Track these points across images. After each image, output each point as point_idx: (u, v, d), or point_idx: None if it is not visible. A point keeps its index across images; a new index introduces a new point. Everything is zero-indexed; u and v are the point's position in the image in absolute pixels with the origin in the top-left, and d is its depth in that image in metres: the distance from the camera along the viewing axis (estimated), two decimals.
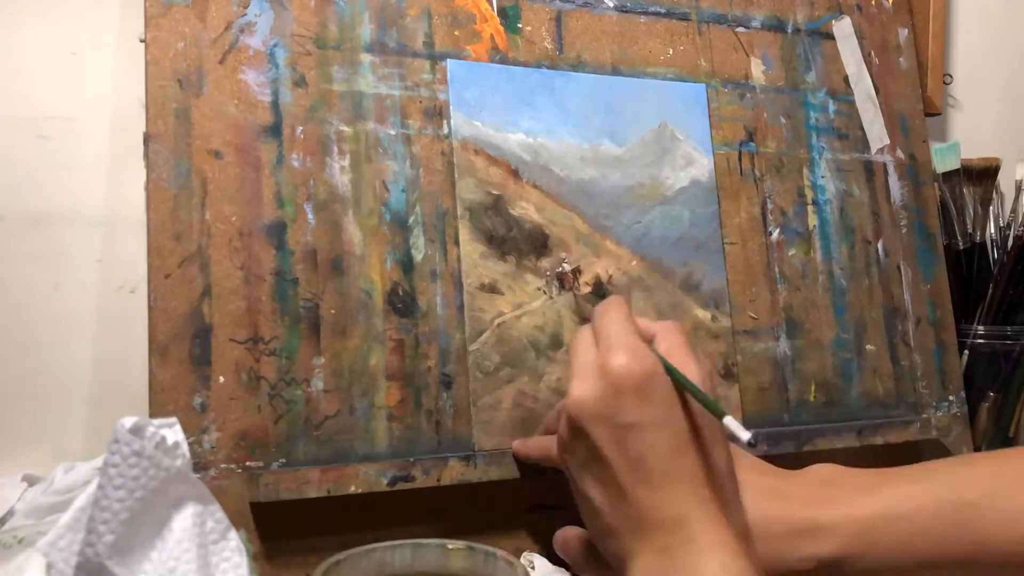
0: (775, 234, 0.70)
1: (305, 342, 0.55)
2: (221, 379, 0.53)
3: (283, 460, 0.53)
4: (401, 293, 0.58)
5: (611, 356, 0.42)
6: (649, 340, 0.46)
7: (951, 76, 0.95)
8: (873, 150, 0.75)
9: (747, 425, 0.63)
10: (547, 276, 0.61)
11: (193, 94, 0.55)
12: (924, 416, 0.72)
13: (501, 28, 0.64)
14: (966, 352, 0.78)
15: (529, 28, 0.65)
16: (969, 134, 0.94)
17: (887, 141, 0.76)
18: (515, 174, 0.62)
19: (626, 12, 0.68)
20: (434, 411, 0.57)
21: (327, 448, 0.54)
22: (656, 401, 0.42)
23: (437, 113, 0.61)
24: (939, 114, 0.91)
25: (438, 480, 0.55)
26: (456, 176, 0.60)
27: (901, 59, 0.78)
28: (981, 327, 0.79)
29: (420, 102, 0.60)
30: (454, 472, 0.56)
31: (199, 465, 0.51)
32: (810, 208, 0.71)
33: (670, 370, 0.43)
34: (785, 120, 0.72)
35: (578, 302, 0.62)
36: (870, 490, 0.47)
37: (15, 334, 0.65)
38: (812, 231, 0.71)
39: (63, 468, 0.58)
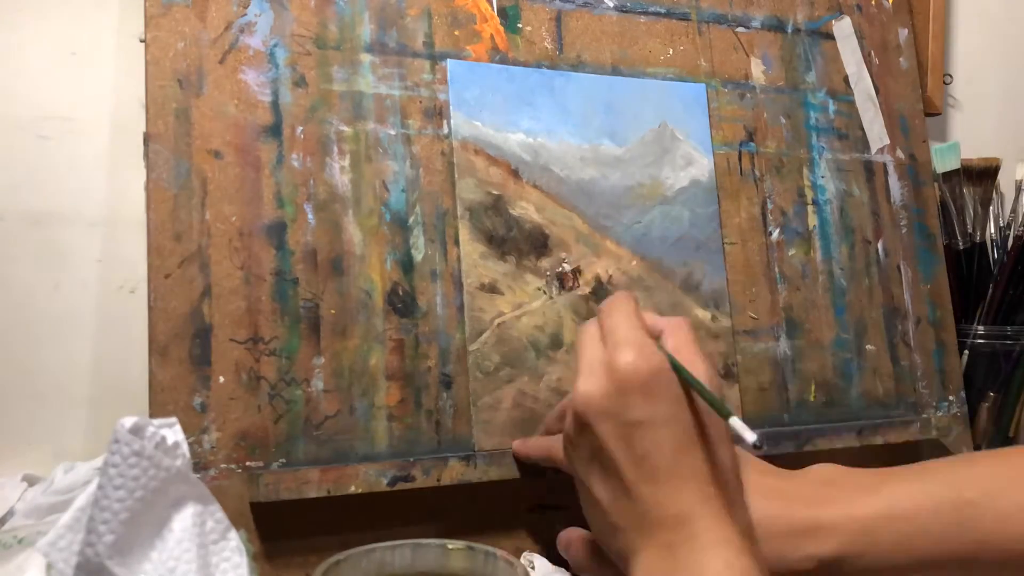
0: (775, 234, 0.70)
1: (305, 342, 0.55)
2: (221, 379, 0.53)
3: (283, 460, 0.53)
4: (401, 293, 0.58)
5: (618, 353, 0.42)
6: (656, 336, 0.46)
7: (951, 76, 0.95)
8: (873, 150, 0.75)
9: (747, 425, 0.63)
10: (547, 276, 0.61)
11: (193, 94, 0.55)
12: (924, 416, 0.72)
13: (501, 28, 0.64)
14: (966, 352, 0.78)
15: (529, 28, 0.65)
16: (969, 134, 0.94)
17: (887, 141, 0.76)
18: (515, 174, 0.62)
19: (626, 12, 0.68)
20: (434, 411, 0.57)
21: (327, 448, 0.54)
22: (663, 399, 0.42)
23: (437, 113, 0.61)
24: (939, 114, 0.91)
25: (438, 480, 0.55)
26: (456, 176, 0.60)
27: (901, 59, 0.78)
28: (981, 327, 0.79)
29: (420, 102, 0.60)
30: (454, 472, 0.56)
31: (199, 465, 0.51)
32: (810, 208, 0.71)
33: (677, 368, 0.43)
34: (785, 120, 0.72)
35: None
36: (870, 490, 0.47)
37: (15, 334, 0.65)
38: (812, 231, 0.71)
39: (63, 468, 0.58)
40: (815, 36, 0.75)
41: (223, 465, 0.52)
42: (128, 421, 0.41)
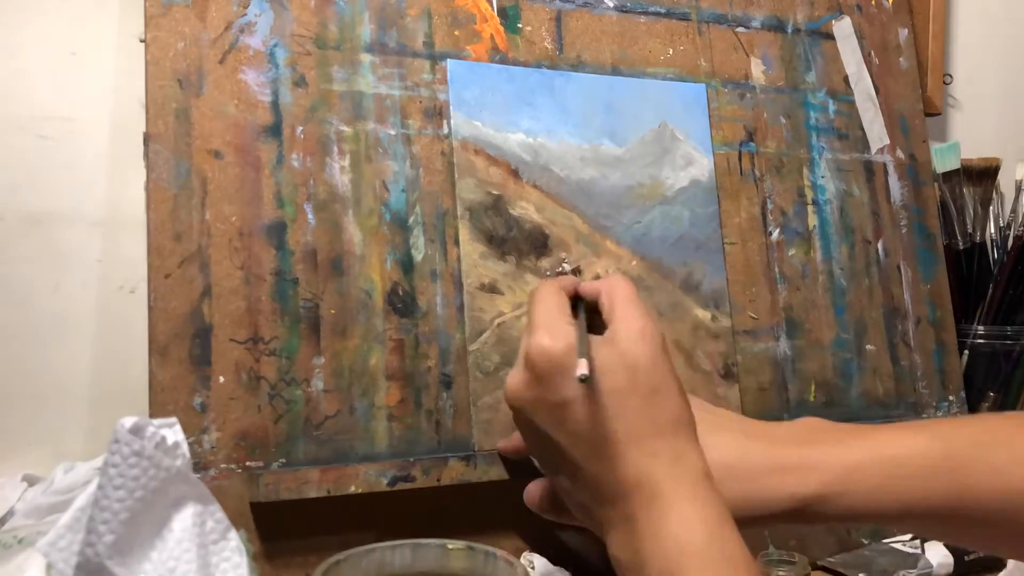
0: (775, 234, 0.70)
1: (305, 342, 0.55)
2: (221, 379, 0.53)
3: (283, 460, 0.53)
4: (401, 293, 0.58)
5: (532, 340, 0.43)
6: (594, 301, 0.47)
7: (951, 76, 0.95)
8: (873, 150, 0.75)
9: None
10: (547, 276, 0.61)
11: (193, 94, 0.55)
12: (924, 416, 0.72)
13: (501, 28, 0.64)
14: (966, 352, 0.78)
15: (529, 28, 0.65)
16: (969, 134, 0.94)
17: (887, 141, 0.76)
18: (515, 174, 0.62)
19: (626, 12, 0.68)
20: (434, 411, 0.57)
21: (327, 448, 0.54)
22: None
23: (437, 113, 0.61)
24: (939, 114, 0.91)
25: (438, 480, 0.55)
26: (456, 176, 0.60)
27: (901, 59, 0.78)
28: (981, 327, 0.79)
29: (420, 102, 0.60)
30: (454, 472, 0.56)
31: (199, 465, 0.51)
32: (810, 208, 0.71)
33: (579, 335, 0.43)
34: (785, 120, 0.72)
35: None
36: (859, 435, 0.47)
37: (15, 334, 0.65)
38: (812, 231, 0.71)
39: (63, 468, 0.58)
40: (815, 36, 0.75)
41: (223, 465, 0.52)
42: (128, 421, 0.41)
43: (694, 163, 0.67)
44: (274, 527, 0.53)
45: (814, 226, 0.71)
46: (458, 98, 0.61)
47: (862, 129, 0.75)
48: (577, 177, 0.63)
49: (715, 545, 0.39)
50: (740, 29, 0.72)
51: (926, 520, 0.46)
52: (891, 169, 0.76)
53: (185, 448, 0.43)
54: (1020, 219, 0.80)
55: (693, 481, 0.41)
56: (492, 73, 0.63)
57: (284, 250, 0.56)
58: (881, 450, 0.46)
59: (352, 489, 0.53)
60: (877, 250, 0.73)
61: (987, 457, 0.45)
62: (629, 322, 0.44)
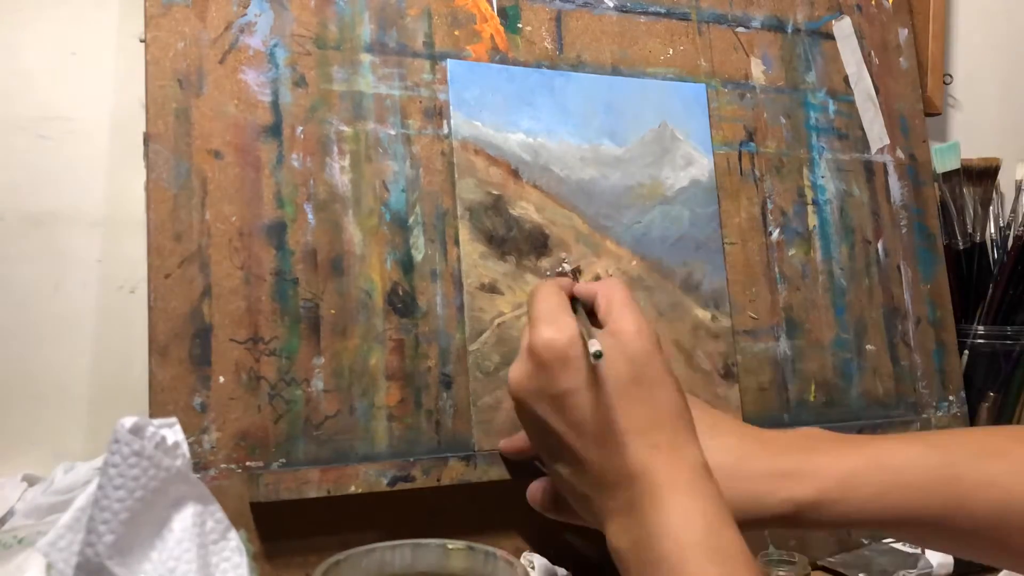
0: (775, 234, 0.70)
1: (305, 342, 0.55)
2: (221, 379, 0.53)
3: (283, 460, 0.53)
4: (401, 293, 0.58)
5: (535, 332, 0.44)
6: (591, 301, 0.48)
7: (951, 76, 0.95)
8: (873, 150, 0.75)
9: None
10: (547, 276, 0.61)
11: (193, 94, 0.55)
12: (924, 416, 0.72)
13: (501, 28, 0.64)
14: (966, 352, 0.78)
15: (529, 28, 0.65)
16: (969, 134, 0.94)
17: (887, 141, 0.76)
18: (515, 174, 0.62)
19: (626, 12, 0.68)
20: (434, 411, 0.57)
21: (327, 448, 0.54)
22: (582, 365, 0.43)
23: (437, 113, 0.61)
24: (939, 114, 0.91)
25: (438, 480, 0.55)
26: (456, 176, 0.60)
27: (901, 59, 0.78)
28: (981, 327, 0.79)
29: (420, 102, 0.60)
30: (454, 472, 0.56)
31: (199, 465, 0.51)
32: (810, 208, 0.71)
33: (580, 327, 0.44)
34: (785, 120, 0.72)
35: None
36: (857, 443, 0.48)
37: (15, 334, 0.65)
38: (812, 231, 0.71)
39: (63, 468, 0.58)
40: (815, 36, 0.75)
41: (223, 465, 0.52)
42: (128, 421, 0.41)
43: (694, 163, 0.67)
44: (274, 527, 0.53)
45: (814, 226, 0.71)
46: (458, 98, 0.61)
47: (862, 129, 0.75)
48: (577, 177, 0.63)
49: (713, 536, 0.39)
50: (740, 29, 0.72)
51: (922, 529, 0.46)
52: (891, 169, 0.76)
53: (185, 448, 0.43)
54: (1020, 219, 0.80)
55: (692, 474, 0.42)
56: (492, 73, 0.63)
57: (284, 250, 0.56)
58: (878, 459, 0.46)
59: (352, 489, 0.53)
60: (877, 250, 0.73)
61: (983, 468, 0.45)
62: (626, 321, 0.45)
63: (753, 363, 0.66)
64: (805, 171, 0.72)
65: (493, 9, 0.64)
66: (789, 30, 0.74)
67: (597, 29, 0.67)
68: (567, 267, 0.62)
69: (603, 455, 0.42)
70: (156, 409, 0.51)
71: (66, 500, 0.52)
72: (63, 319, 0.66)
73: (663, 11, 0.69)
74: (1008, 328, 0.79)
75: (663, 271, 0.65)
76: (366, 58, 0.60)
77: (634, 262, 0.64)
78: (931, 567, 0.61)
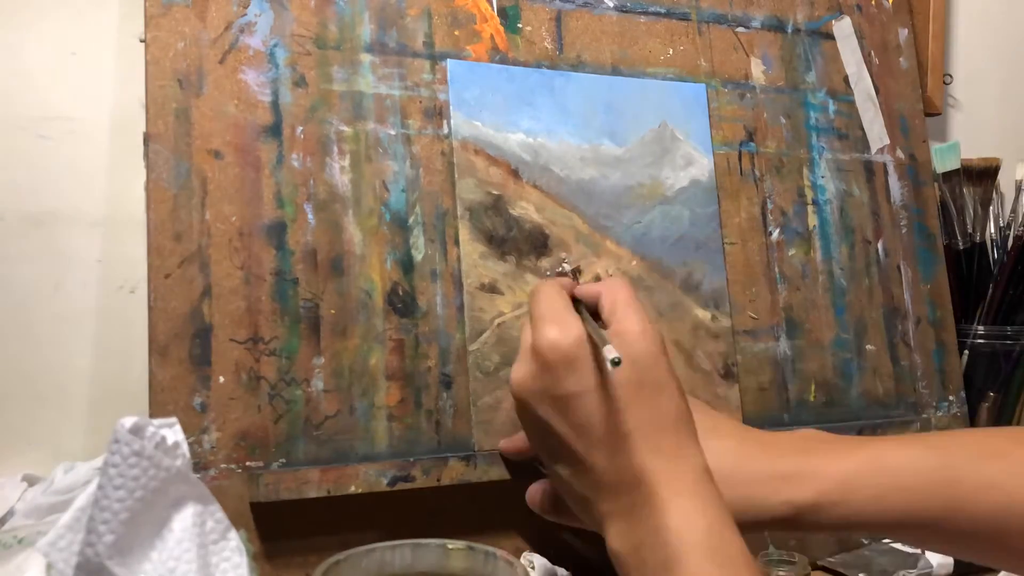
0: (775, 234, 0.70)
1: (305, 342, 0.55)
2: (221, 379, 0.53)
3: (283, 460, 0.53)
4: (401, 293, 0.58)
5: (539, 332, 0.44)
6: (595, 301, 0.47)
7: (951, 76, 0.95)
8: (873, 150, 0.75)
9: (747, 425, 0.62)
10: (547, 276, 0.61)
11: (193, 94, 0.55)
12: (924, 416, 0.72)
13: (501, 28, 0.64)
14: (966, 352, 0.78)
15: (529, 28, 0.65)
16: (969, 134, 0.94)
17: (887, 141, 0.76)
18: (515, 174, 0.62)
19: (626, 12, 0.68)
20: (434, 411, 0.57)
21: (327, 448, 0.54)
22: (586, 367, 0.43)
23: (437, 113, 0.61)
24: (939, 114, 0.91)
25: (438, 480, 0.55)
26: (456, 176, 0.60)
27: (901, 59, 0.78)
28: (981, 327, 0.79)
29: (420, 102, 0.60)
30: (454, 472, 0.56)
31: (199, 465, 0.51)
32: (810, 208, 0.71)
33: (588, 329, 0.44)
34: (785, 120, 0.72)
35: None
36: (855, 445, 0.48)
37: (15, 334, 0.65)
38: (812, 231, 0.71)
39: (63, 468, 0.58)
40: (815, 36, 0.75)
41: (223, 465, 0.52)
42: (128, 421, 0.41)
43: (694, 163, 0.67)
44: (274, 527, 0.53)
45: (814, 226, 0.71)
46: (458, 98, 0.61)
47: (862, 129, 0.75)
48: (577, 177, 0.63)
49: (714, 539, 0.39)
50: (740, 29, 0.72)
51: (921, 531, 0.46)
52: (891, 169, 0.76)
53: (185, 448, 0.43)
54: (1020, 219, 0.80)
55: (694, 477, 0.42)
56: (492, 73, 0.63)
57: (284, 250, 0.56)
58: (877, 461, 0.46)
59: (352, 489, 0.53)
60: (877, 250, 0.73)
61: (983, 470, 0.45)
62: (631, 322, 0.45)
63: (753, 363, 0.66)
64: (805, 171, 0.72)
65: (493, 9, 0.64)
66: (789, 30, 0.74)
67: (597, 29, 0.67)
68: (567, 267, 0.62)
69: (606, 458, 0.42)
70: (156, 409, 0.51)
71: (66, 500, 0.52)
72: (63, 319, 0.66)
73: (663, 11, 0.69)
74: (1008, 328, 0.78)
75: (663, 271, 0.65)
76: (366, 58, 0.60)
77: (634, 262, 0.64)
78: (931, 567, 0.61)
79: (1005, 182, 0.84)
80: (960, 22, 0.98)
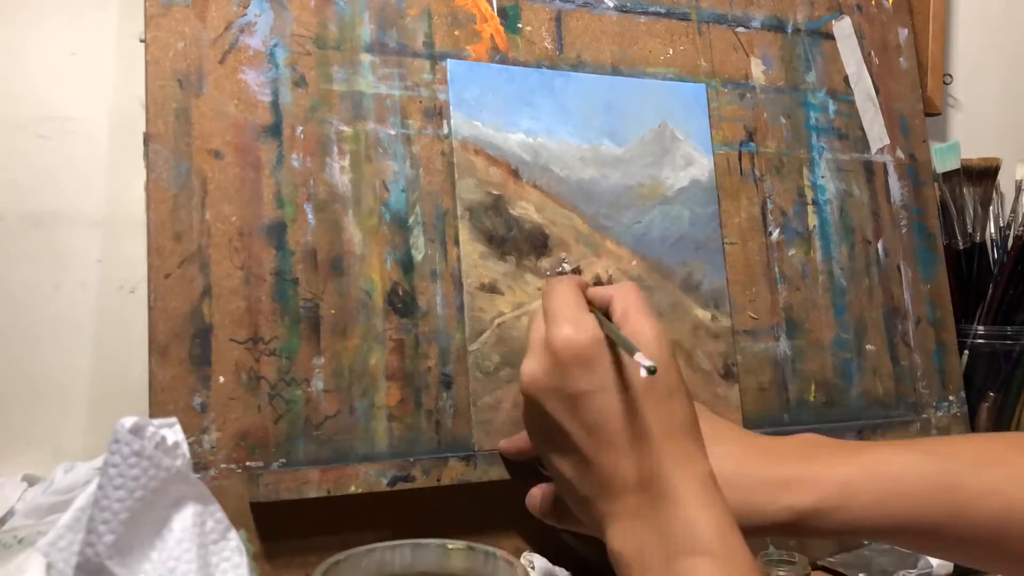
0: (775, 234, 0.70)
1: (305, 342, 0.55)
2: (221, 379, 0.53)
3: (283, 460, 0.53)
4: (401, 293, 0.58)
5: (554, 329, 0.44)
6: (607, 305, 0.47)
7: (951, 76, 0.95)
8: (873, 150, 0.75)
9: (747, 425, 0.63)
10: (547, 276, 0.61)
11: (193, 94, 0.55)
12: (924, 416, 0.72)
13: (501, 28, 0.64)
14: (966, 352, 0.78)
15: (529, 28, 0.65)
16: (969, 134, 0.94)
17: (887, 141, 0.76)
18: (515, 174, 0.62)
19: (626, 12, 0.68)
20: (434, 411, 0.57)
21: (327, 448, 0.54)
22: (601, 366, 0.43)
23: (437, 113, 0.61)
24: (939, 114, 0.91)
25: (438, 480, 0.55)
26: (456, 176, 0.60)
27: (901, 59, 0.78)
28: (981, 327, 0.79)
29: (420, 102, 0.60)
30: (454, 472, 0.56)
31: (199, 465, 0.51)
32: (810, 208, 0.71)
33: (607, 330, 0.44)
34: (785, 120, 0.72)
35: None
36: (857, 450, 0.48)
37: (15, 334, 0.65)
38: (812, 231, 0.71)
39: (63, 468, 0.58)
40: (815, 36, 0.75)
41: (223, 465, 0.52)
42: (128, 421, 0.41)
43: (694, 163, 0.67)
44: (274, 527, 0.53)
45: (814, 226, 0.71)
46: (458, 98, 0.61)
47: (862, 129, 0.75)
48: (577, 177, 0.63)
49: (719, 543, 0.39)
50: (740, 29, 0.72)
51: (921, 537, 0.46)
52: (891, 169, 0.76)
53: (185, 448, 0.43)
54: (1020, 219, 0.80)
55: (701, 482, 0.42)
56: (492, 73, 0.63)
57: (284, 250, 0.56)
58: (877, 467, 0.46)
59: (352, 489, 0.53)
60: (877, 250, 0.73)
61: (983, 477, 0.45)
62: (644, 328, 0.45)
63: (753, 363, 0.66)
64: (805, 171, 0.72)
65: (493, 9, 0.64)
66: (789, 30, 0.74)
67: (597, 29, 0.67)
68: (567, 267, 0.62)
69: (613, 459, 0.42)
70: (156, 409, 0.51)
71: (66, 500, 0.52)
72: (63, 319, 0.66)
73: (663, 11, 0.69)
74: (1008, 328, 0.78)
75: (663, 271, 0.65)
76: (366, 58, 0.60)
77: (634, 262, 0.64)
78: (931, 567, 0.61)
79: (1005, 182, 0.84)
80: (960, 22, 0.98)
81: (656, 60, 0.68)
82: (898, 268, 0.74)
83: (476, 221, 0.60)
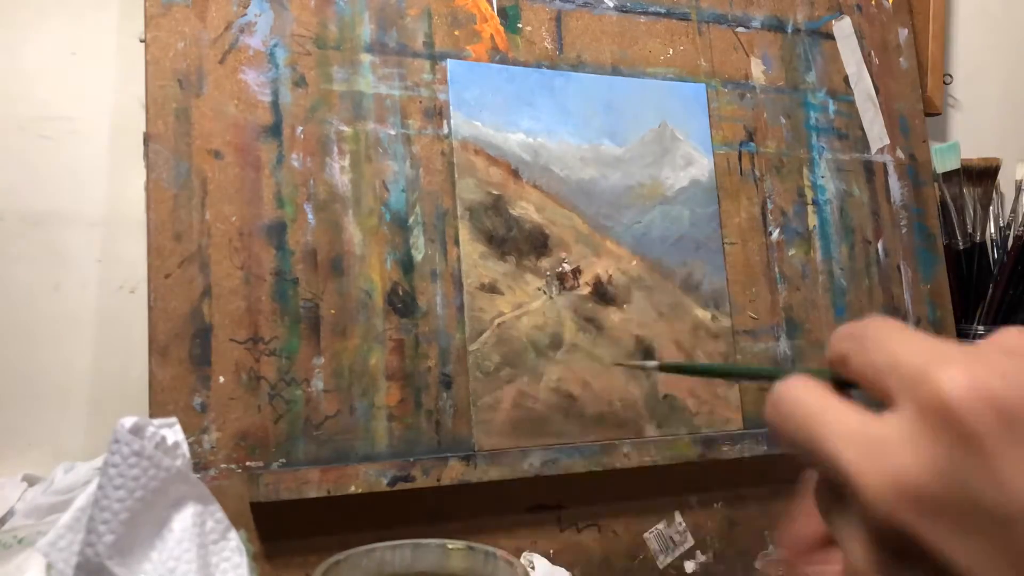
0: (775, 234, 0.70)
1: (305, 342, 0.55)
2: (221, 379, 0.53)
3: (283, 460, 0.53)
4: (401, 293, 0.58)
5: (940, 372, 0.20)
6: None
7: (951, 76, 0.95)
8: (873, 150, 0.75)
9: (747, 425, 0.63)
10: (547, 276, 0.61)
11: (193, 94, 0.55)
12: None
13: (501, 28, 0.64)
14: None
15: (529, 28, 0.65)
16: (969, 134, 0.94)
17: (887, 141, 0.76)
18: (515, 174, 0.62)
19: (626, 12, 0.68)
20: (434, 411, 0.57)
21: (327, 448, 0.54)
22: None
23: (437, 113, 0.61)
24: (939, 114, 0.91)
25: (438, 480, 0.55)
26: (456, 176, 0.60)
27: (901, 59, 0.78)
28: (981, 327, 0.79)
29: (420, 102, 0.60)
30: (454, 472, 0.56)
31: (199, 465, 0.51)
32: (810, 208, 0.71)
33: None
34: (785, 120, 0.72)
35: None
36: None
37: (15, 334, 0.65)
38: (812, 231, 0.71)
39: (63, 468, 0.58)
40: (815, 36, 0.75)
41: (223, 465, 0.52)
42: (128, 421, 0.41)
43: (694, 163, 0.67)
44: (274, 527, 0.53)
45: (814, 226, 0.71)
46: (458, 98, 0.61)
47: (862, 129, 0.75)
48: (577, 177, 0.63)
49: None
50: (740, 29, 0.72)
51: None
52: (891, 169, 0.76)
53: (185, 448, 0.43)
54: (1020, 219, 0.80)
55: None
56: (492, 73, 0.63)
57: (284, 250, 0.56)
58: None
59: (352, 489, 0.53)
60: (877, 250, 0.73)
61: None
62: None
63: (753, 363, 0.66)
64: (805, 171, 0.72)
65: (493, 9, 0.64)
66: (789, 30, 0.74)
67: (597, 29, 0.67)
68: (567, 267, 0.62)
69: None
70: (156, 409, 0.51)
71: (66, 500, 0.52)
72: (63, 319, 0.66)
73: (663, 11, 0.69)
74: None
75: (663, 271, 0.65)
76: (366, 58, 0.60)
77: (634, 262, 0.64)
78: None
79: (1005, 182, 0.84)
80: (960, 22, 0.98)
81: (656, 60, 0.68)
82: (898, 268, 0.74)
83: (476, 221, 0.60)
